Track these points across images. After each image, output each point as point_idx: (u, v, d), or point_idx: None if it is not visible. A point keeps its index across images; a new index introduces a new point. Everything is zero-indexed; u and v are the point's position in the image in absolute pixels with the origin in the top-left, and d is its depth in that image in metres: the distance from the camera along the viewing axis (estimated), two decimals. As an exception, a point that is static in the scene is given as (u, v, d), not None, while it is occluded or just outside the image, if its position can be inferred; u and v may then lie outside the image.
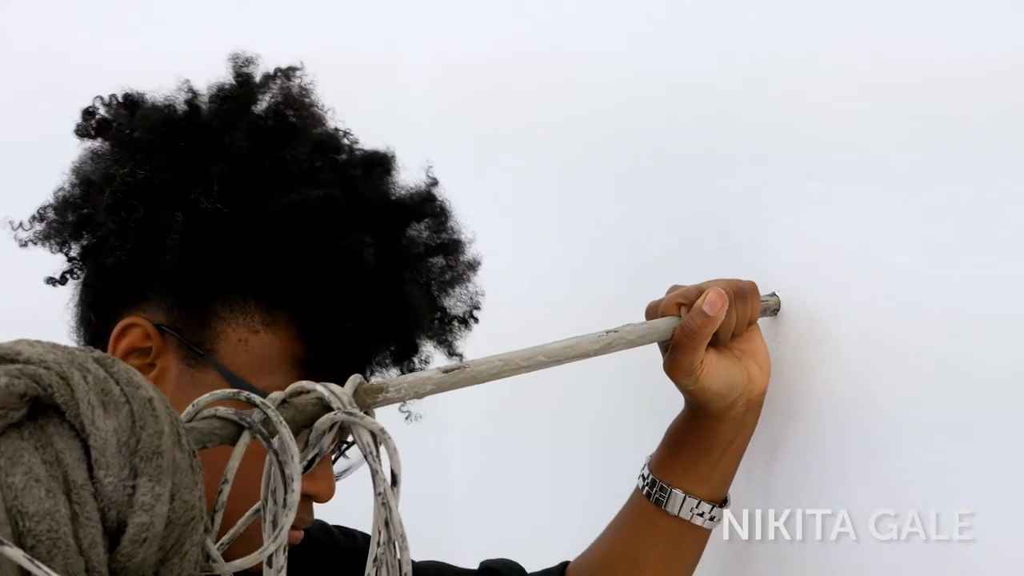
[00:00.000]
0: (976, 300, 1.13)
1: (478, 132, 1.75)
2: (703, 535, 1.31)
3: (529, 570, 1.39)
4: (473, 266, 1.26)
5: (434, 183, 1.25)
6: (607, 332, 1.20)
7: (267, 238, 1.15)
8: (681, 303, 1.23)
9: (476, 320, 1.26)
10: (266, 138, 1.18)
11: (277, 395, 0.99)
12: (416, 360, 1.23)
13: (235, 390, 0.98)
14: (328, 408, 1.00)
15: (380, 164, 1.22)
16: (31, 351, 0.84)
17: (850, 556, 1.23)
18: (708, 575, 1.35)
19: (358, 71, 1.80)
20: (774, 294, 1.32)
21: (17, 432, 0.81)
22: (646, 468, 1.31)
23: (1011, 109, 1.11)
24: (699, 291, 1.24)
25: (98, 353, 0.87)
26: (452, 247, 1.25)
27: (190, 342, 1.16)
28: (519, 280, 1.64)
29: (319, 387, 1.01)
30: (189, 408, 0.96)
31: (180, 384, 1.16)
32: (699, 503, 1.29)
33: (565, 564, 1.39)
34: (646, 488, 1.31)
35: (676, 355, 1.23)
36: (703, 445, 1.28)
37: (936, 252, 1.17)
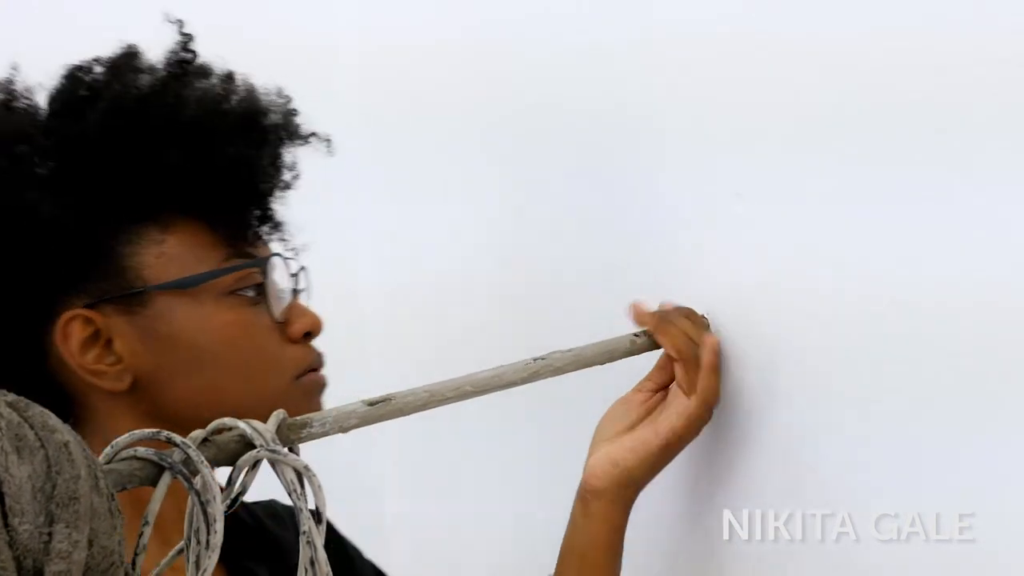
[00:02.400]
0: (914, 318, 1.14)
1: (400, 135, 1.74)
2: None
3: None
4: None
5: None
6: (534, 360, 1.19)
7: (100, 174, 1.18)
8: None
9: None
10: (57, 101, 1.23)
11: (198, 434, 0.99)
12: (284, 164, 1.26)
13: (154, 430, 0.97)
14: (251, 445, 0.99)
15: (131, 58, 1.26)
16: (-58, 397, 0.82)
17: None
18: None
19: (290, 52, 1.78)
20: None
21: (-72, 482, 0.79)
22: None
23: (933, 126, 1.12)
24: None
25: (12, 397, 0.86)
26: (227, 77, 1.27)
27: (124, 292, 1.19)
28: (443, 307, 1.63)
29: (241, 424, 1.00)
30: (108, 449, 0.95)
31: (146, 332, 1.19)
32: None
33: None
34: None
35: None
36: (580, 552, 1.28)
37: (868, 268, 1.18)
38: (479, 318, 1.60)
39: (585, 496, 1.26)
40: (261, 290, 1.23)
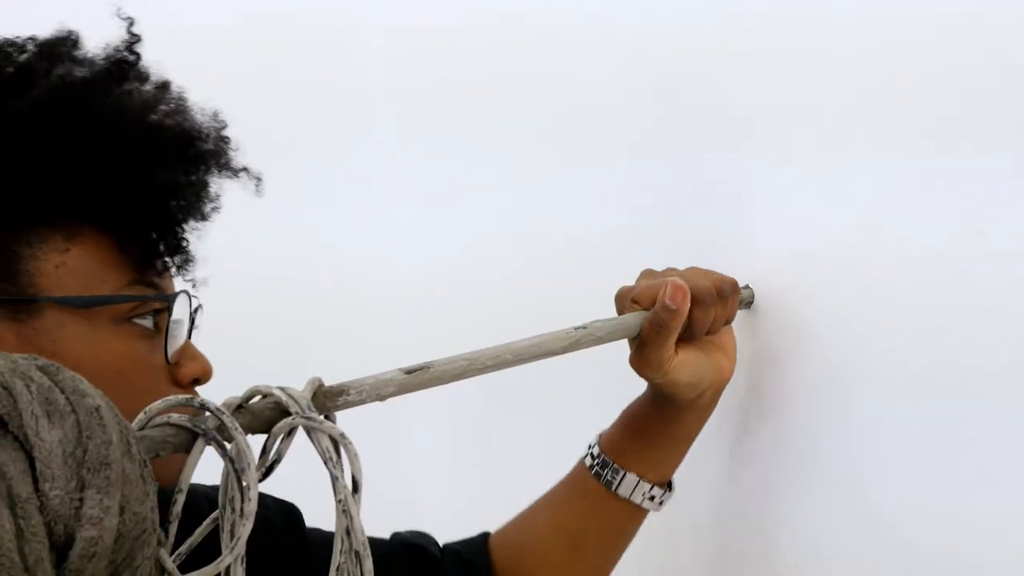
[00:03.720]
0: (959, 292, 1.12)
1: (433, 114, 1.72)
2: (643, 518, 1.29)
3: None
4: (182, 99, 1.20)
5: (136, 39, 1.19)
6: (575, 329, 1.17)
7: (14, 164, 1.10)
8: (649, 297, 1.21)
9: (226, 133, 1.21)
10: None
11: (232, 400, 0.97)
12: (208, 192, 1.18)
13: (188, 395, 0.96)
14: (286, 413, 0.98)
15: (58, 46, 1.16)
16: (-29, 360, 0.81)
17: (850, 555, 1.21)
18: (705, 572, 1.35)
19: (315, 36, 1.76)
20: (748, 286, 1.29)
21: (-43, 445, 0.78)
22: (596, 447, 1.29)
23: (994, 95, 1.09)
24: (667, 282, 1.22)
25: (42, 361, 0.85)
26: (162, 86, 1.19)
27: (12, 297, 1.10)
28: (484, 275, 1.61)
29: (276, 391, 0.99)
30: (141, 415, 0.94)
31: (29, 343, 1.09)
32: (651, 487, 1.27)
33: (486, 535, 1.36)
34: (596, 467, 1.28)
35: (644, 350, 1.21)
36: (664, 433, 1.27)
37: (915, 242, 1.15)
38: (518, 291, 1.59)
39: None
40: (159, 324, 1.14)
